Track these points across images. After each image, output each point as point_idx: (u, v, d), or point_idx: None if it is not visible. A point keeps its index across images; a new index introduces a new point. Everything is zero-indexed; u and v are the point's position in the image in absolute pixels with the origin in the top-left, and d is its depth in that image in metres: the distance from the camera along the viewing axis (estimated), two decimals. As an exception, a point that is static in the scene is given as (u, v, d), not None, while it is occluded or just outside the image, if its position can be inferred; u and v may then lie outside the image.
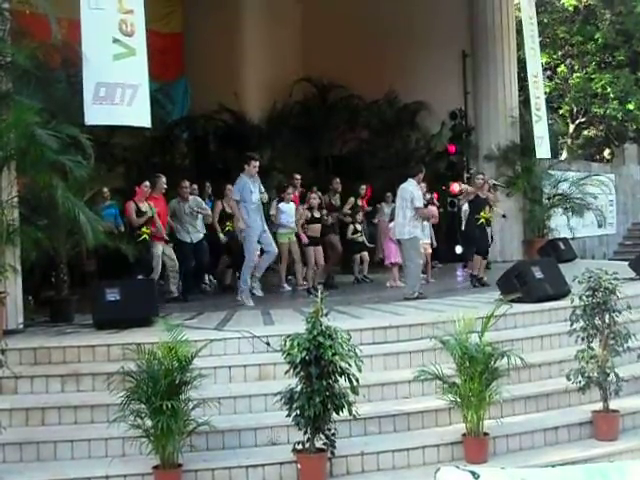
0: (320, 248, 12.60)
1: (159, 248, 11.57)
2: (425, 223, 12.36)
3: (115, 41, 9.04)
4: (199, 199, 12.58)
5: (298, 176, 13.80)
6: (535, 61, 16.41)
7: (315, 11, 19.06)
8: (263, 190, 11.08)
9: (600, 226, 18.79)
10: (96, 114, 9.01)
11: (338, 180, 14.05)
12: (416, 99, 18.15)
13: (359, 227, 13.87)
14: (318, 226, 12.68)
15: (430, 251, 13.32)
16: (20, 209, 8.72)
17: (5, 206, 8.38)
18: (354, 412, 6.41)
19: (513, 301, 9.36)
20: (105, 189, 12.54)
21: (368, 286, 13.34)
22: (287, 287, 12.85)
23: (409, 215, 10.71)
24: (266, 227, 10.97)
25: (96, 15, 8.97)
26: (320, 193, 13.42)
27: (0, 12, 8.57)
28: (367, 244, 14.13)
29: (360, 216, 14.03)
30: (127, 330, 8.30)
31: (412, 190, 10.87)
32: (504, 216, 14.46)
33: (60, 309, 9.44)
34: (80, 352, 7.79)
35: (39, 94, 8.81)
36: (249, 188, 10.71)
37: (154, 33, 13.94)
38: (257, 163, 10.92)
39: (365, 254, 13.83)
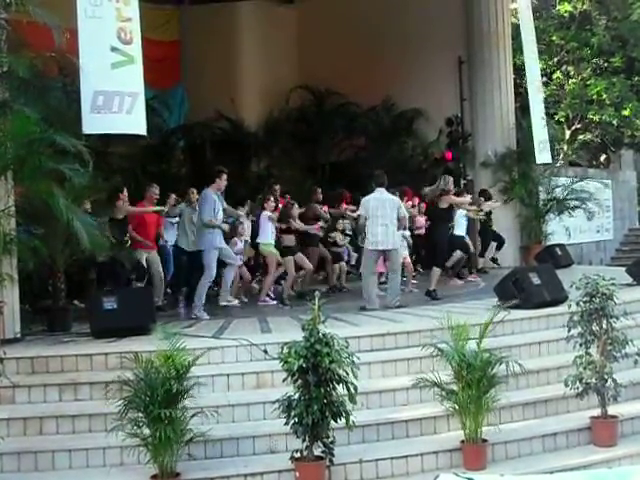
0: (297, 257, 12.06)
1: (143, 256, 11.52)
2: (407, 233, 12.37)
3: (113, 49, 8.98)
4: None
5: (277, 187, 13.59)
6: (535, 66, 16.43)
7: (311, 18, 19.10)
8: (226, 206, 11.00)
9: (590, 220, 18.62)
10: (94, 123, 8.96)
11: (319, 190, 13.74)
12: (413, 106, 18.14)
13: (341, 236, 13.59)
14: (292, 236, 12.12)
15: (409, 260, 12.97)
16: (17, 218, 8.71)
17: (2, 215, 8.37)
18: (351, 422, 6.39)
19: (511, 307, 9.39)
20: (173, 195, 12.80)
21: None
22: (270, 301, 11.95)
23: (396, 224, 10.58)
24: (224, 243, 10.86)
25: (93, 24, 8.93)
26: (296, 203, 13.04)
27: (-3, 22, 8.59)
28: (348, 253, 13.86)
29: (343, 224, 13.67)
30: (125, 339, 8.29)
31: (399, 201, 10.83)
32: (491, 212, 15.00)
33: (58, 318, 9.41)
34: (78, 361, 7.79)
35: (35, 103, 8.81)
36: (218, 206, 10.61)
37: (151, 41, 13.96)
38: (225, 177, 10.81)
39: (343, 264, 13.53)
